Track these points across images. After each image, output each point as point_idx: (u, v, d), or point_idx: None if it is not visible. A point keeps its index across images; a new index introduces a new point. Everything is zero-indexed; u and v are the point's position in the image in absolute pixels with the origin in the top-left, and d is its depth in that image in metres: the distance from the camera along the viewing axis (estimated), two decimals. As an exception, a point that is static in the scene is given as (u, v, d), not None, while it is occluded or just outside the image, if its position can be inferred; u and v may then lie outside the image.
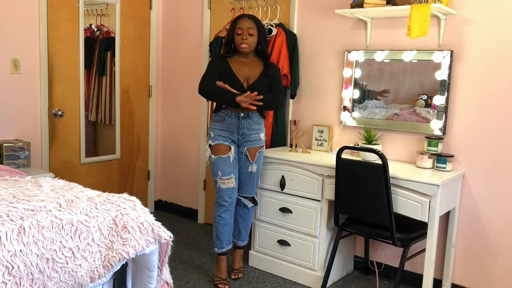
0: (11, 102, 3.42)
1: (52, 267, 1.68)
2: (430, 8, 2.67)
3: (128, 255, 1.82)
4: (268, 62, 3.05)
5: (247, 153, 3.02)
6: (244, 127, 2.98)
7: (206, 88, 2.97)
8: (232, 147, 3.01)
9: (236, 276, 3.17)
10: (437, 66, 2.90)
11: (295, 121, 3.38)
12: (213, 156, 3.00)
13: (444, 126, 2.93)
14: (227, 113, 2.98)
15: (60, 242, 1.71)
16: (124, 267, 1.94)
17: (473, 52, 2.82)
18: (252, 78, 2.98)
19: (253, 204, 3.18)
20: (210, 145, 3.03)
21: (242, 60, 3.02)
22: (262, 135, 3.08)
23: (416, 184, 2.64)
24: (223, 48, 3.18)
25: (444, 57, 2.86)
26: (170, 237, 1.95)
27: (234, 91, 2.87)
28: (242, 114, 2.97)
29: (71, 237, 1.74)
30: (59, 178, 2.28)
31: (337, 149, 2.81)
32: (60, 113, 3.69)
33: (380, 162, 2.63)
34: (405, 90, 3.07)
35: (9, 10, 3.34)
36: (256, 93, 2.81)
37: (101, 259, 1.81)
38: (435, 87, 2.93)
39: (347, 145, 2.88)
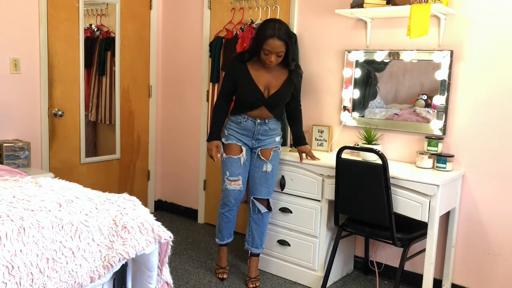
0: (11, 102, 3.42)
1: (52, 267, 1.68)
2: (430, 8, 2.66)
3: (128, 255, 1.81)
4: (292, 69, 2.92)
5: (259, 153, 2.99)
6: (259, 132, 2.96)
7: (214, 111, 3.06)
8: (244, 149, 2.99)
9: (254, 285, 3.04)
10: (437, 66, 2.90)
11: (295, 121, 3.37)
12: (224, 154, 3.01)
13: (444, 126, 2.93)
14: (244, 117, 2.95)
15: (60, 242, 1.71)
16: (124, 267, 1.94)
17: (473, 52, 2.82)
18: (273, 88, 2.90)
19: (267, 210, 3.06)
20: (223, 143, 3.03)
21: (264, 65, 2.88)
22: (278, 138, 3.04)
23: (416, 184, 2.64)
24: (247, 53, 2.91)
25: (444, 57, 2.86)
26: (170, 237, 1.95)
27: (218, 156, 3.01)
28: (258, 121, 2.94)
29: (71, 237, 1.74)
30: (59, 178, 2.28)
31: (337, 149, 2.81)
32: (60, 113, 3.68)
33: (380, 162, 2.63)
34: (405, 90, 3.07)
35: (9, 10, 3.34)
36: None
37: (101, 259, 1.81)
38: (435, 87, 2.93)
39: (347, 145, 2.88)
